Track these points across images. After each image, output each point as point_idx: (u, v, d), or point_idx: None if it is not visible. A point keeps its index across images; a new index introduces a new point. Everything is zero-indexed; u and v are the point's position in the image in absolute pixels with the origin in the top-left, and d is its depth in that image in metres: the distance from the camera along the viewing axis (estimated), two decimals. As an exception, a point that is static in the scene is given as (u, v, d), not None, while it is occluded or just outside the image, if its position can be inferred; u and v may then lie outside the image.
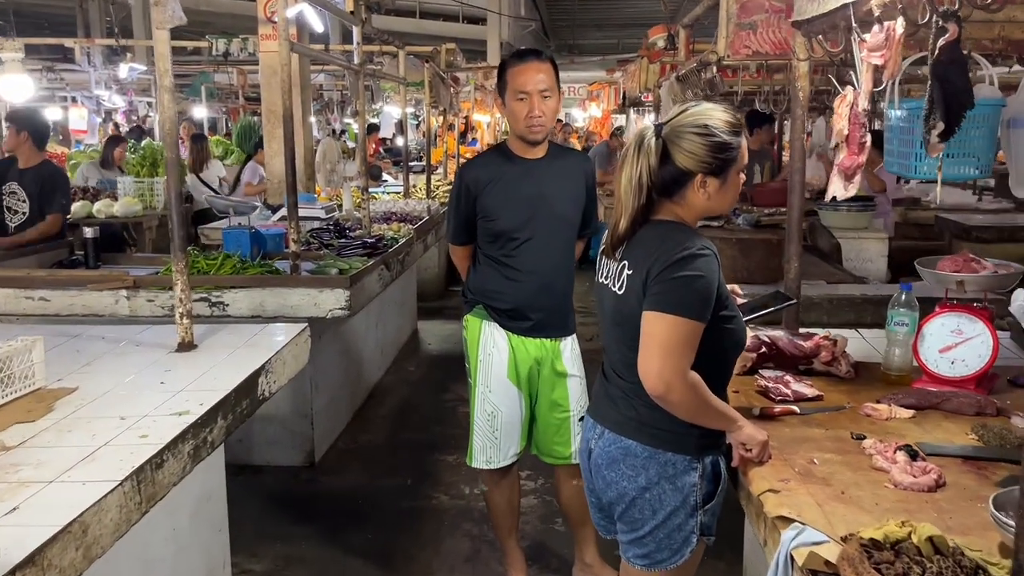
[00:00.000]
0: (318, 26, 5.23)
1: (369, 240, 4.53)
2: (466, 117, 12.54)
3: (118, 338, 2.95)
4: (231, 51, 8.91)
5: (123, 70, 9.11)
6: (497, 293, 2.80)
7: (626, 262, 1.85)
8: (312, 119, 17.25)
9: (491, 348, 2.83)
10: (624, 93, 9.17)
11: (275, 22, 6.74)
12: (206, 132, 12.76)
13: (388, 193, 8.74)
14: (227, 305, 3.70)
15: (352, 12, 5.04)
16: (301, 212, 5.41)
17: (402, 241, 5.01)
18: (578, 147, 12.32)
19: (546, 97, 2.62)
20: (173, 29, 2.71)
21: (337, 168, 6.52)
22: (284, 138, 3.90)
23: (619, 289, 1.86)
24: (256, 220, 6.64)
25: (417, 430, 4.68)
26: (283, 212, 5.79)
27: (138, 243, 6.58)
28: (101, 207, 6.35)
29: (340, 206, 6.99)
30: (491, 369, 2.85)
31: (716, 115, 1.79)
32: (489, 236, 2.76)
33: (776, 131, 7.52)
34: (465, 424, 5.05)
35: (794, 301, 2.35)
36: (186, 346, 2.78)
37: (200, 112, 11.11)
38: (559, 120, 21.15)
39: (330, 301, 3.71)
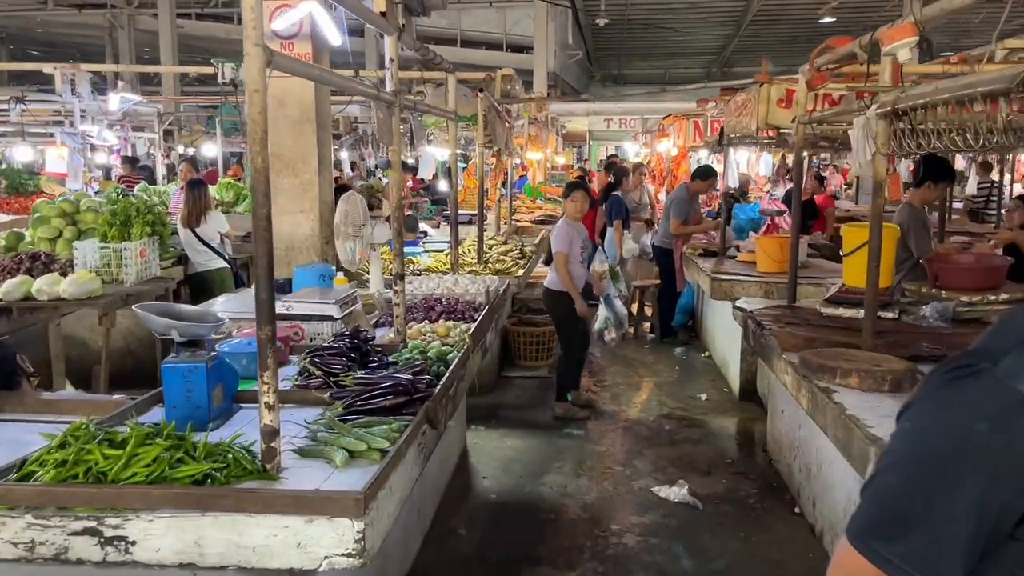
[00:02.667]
0: (334, 38, 3.54)
1: (404, 378, 2.76)
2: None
3: None
4: (240, 78, 7.32)
5: (113, 101, 7.56)
6: None
7: None
8: (344, 154, 15.77)
9: None
10: (722, 128, 7.38)
11: (283, 37, 5.13)
12: (221, 170, 11.26)
13: (428, 252, 7.03)
14: (133, 543, 1.95)
15: (384, 14, 3.34)
16: (305, 310, 3.71)
17: (455, 362, 3.25)
18: (652, 188, 10.52)
19: None
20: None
21: (363, 232, 4.84)
22: (254, 219, 2.16)
23: None
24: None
25: None
26: (303, 293, 4.13)
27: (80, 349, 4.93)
28: (43, 286, 4.69)
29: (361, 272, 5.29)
30: None
31: None
32: None
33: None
34: None
35: None
36: None
37: (210, 149, 9.54)
38: (613, 155, 19.40)
39: (327, 539, 1.94)
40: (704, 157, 10.37)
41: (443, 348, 3.45)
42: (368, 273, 5.17)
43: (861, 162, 3.34)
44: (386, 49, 3.39)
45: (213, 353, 2.72)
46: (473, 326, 3.86)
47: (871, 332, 3.49)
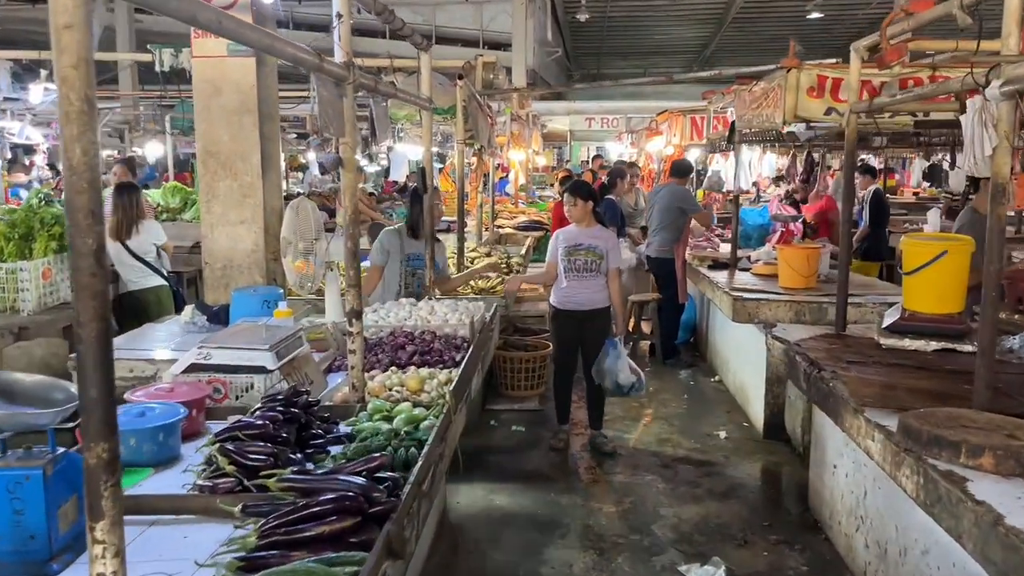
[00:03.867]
0: (265, -8, 2.61)
1: (354, 483, 1.84)
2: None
3: None
4: (181, 65, 6.35)
5: (35, 93, 6.55)
6: None
7: None
8: (311, 155, 14.70)
9: None
10: (733, 124, 6.52)
11: (219, 7, 4.18)
12: (172, 173, 10.22)
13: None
14: None
15: (330, -43, 2.42)
16: (228, 358, 2.77)
17: (431, 438, 2.33)
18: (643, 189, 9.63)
19: None
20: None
21: (316, 247, 3.92)
22: (72, 253, 1.22)
23: None
24: (187, 331, 4.04)
25: None
26: (229, 332, 3.23)
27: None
28: (-94, 319, 3.70)
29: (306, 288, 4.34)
30: None
31: None
32: None
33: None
34: None
35: None
36: None
37: (155, 149, 8.53)
38: (597, 156, 18.61)
39: None
40: (702, 157, 9.55)
41: (415, 413, 2.53)
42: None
43: (977, 157, 2.47)
44: (334, 4, 2.46)
45: (60, 451, 1.78)
46: (456, 375, 2.94)
47: (987, 384, 2.62)
